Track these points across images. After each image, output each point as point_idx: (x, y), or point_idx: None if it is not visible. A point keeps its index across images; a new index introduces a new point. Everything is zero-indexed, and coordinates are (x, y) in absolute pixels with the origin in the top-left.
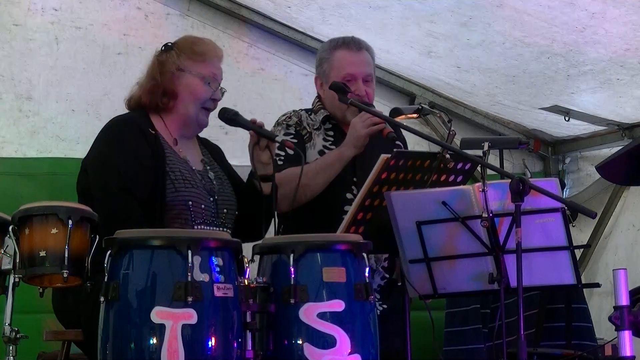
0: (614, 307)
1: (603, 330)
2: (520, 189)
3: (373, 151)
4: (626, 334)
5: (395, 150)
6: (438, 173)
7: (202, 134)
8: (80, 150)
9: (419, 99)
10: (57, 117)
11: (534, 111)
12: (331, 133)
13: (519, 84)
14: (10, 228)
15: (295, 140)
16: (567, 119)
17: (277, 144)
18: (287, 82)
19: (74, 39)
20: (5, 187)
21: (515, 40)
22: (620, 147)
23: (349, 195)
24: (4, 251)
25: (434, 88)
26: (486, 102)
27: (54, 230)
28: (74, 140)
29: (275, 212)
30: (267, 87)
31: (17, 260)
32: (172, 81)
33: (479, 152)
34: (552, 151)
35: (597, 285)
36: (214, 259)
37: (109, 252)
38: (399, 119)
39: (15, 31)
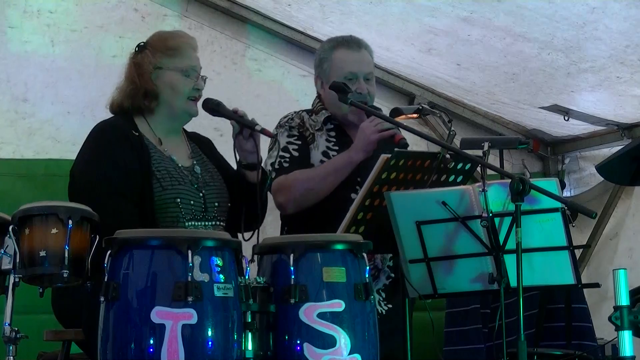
0: (614, 307)
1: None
2: (520, 189)
3: (375, 151)
4: (626, 334)
5: (395, 150)
6: (438, 173)
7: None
8: (76, 151)
9: (419, 99)
10: (53, 119)
11: (533, 110)
12: (333, 133)
13: (518, 82)
14: (10, 228)
15: (299, 142)
16: (566, 118)
17: (271, 136)
18: (284, 83)
19: (69, 42)
20: (4, 188)
21: (516, 36)
22: (620, 147)
23: (353, 195)
24: (4, 251)
25: (434, 87)
26: (486, 100)
27: (54, 230)
28: (70, 142)
29: (281, 215)
30: (264, 89)
31: (17, 260)
32: (151, 81)
33: (479, 152)
34: (551, 151)
35: (597, 285)
36: (214, 259)
37: (109, 252)
38: (399, 119)
39: (11, 34)
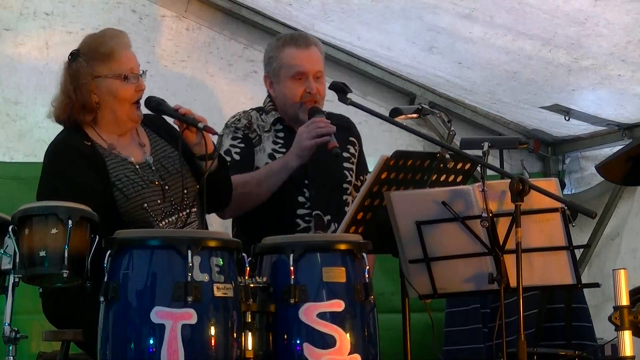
0: (613, 307)
1: None
2: (520, 189)
3: (325, 152)
4: (626, 334)
5: (395, 150)
6: (438, 173)
7: None
8: None
9: (419, 99)
10: (43, 121)
11: (534, 110)
12: (281, 134)
13: (519, 80)
14: (10, 228)
15: (242, 145)
16: (567, 118)
17: (214, 133)
18: None
19: (64, 44)
20: None
21: (517, 33)
22: (621, 147)
23: (300, 198)
24: (4, 251)
25: (435, 87)
26: (487, 100)
27: (53, 230)
28: None
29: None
30: (257, 90)
31: (17, 260)
32: (90, 93)
33: (479, 152)
34: (551, 151)
35: (597, 285)
36: (213, 259)
37: (109, 252)
38: (399, 119)
39: (5, 35)
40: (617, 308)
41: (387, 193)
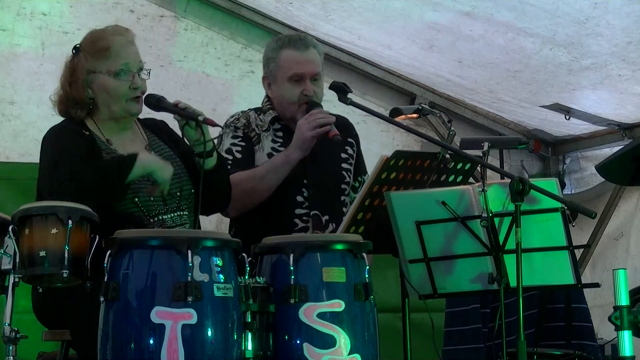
0: (613, 307)
1: None
2: (520, 189)
3: (324, 152)
4: (626, 334)
5: (395, 150)
6: (438, 173)
7: None
8: None
9: (419, 99)
10: (37, 121)
11: (534, 109)
12: (280, 134)
13: (520, 79)
14: (10, 228)
15: (243, 144)
16: (567, 117)
17: (214, 125)
18: None
19: (60, 44)
20: None
21: (518, 31)
22: (621, 147)
23: (299, 198)
24: (4, 251)
25: (435, 86)
26: (487, 99)
27: (53, 230)
28: None
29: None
30: (253, 91)
31: (17, 260)
32: (83, 88)
33: (479, 152)
34: (552, 151)
35: (597, 285)
36: (214, 258)
37: (109, 252)
38: (399, 119)
39: (2, 36)
40: (617, 308)
41: (387, 193)
